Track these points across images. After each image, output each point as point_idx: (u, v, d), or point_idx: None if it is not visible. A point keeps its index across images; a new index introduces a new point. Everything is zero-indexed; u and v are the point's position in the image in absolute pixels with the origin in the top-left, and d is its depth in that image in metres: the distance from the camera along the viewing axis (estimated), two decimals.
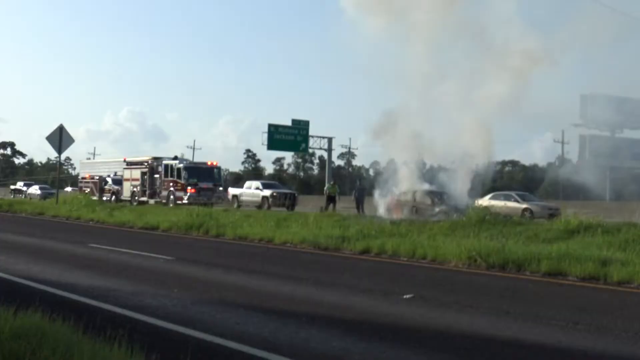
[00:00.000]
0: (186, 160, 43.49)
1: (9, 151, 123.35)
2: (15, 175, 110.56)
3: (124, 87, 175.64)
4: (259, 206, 35.98)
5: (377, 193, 32.31)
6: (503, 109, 30.48)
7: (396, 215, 26.15)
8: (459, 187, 30.18)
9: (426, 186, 31.50)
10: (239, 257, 15.12)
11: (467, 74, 31.44)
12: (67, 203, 34.31)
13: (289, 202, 36.57)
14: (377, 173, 32.08)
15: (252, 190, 38.67)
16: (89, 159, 61.97)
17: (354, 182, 38.88)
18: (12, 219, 29.13)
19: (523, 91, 31.55)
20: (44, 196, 56.51)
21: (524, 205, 31.71)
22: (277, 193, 37.47)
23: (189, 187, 36.64)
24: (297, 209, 35.04)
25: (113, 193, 43.39)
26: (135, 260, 13.65)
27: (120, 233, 22.01)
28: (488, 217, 19.85)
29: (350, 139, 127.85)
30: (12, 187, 62.41)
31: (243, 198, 38.33)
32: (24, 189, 63.22)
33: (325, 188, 35.34)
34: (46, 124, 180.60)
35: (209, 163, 39.59)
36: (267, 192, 37.32)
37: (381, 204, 30.80)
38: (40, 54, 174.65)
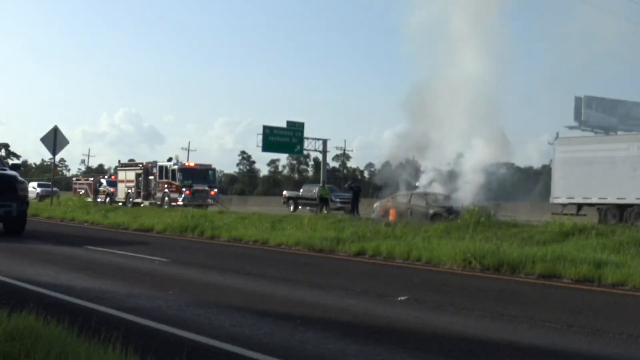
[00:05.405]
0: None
1: (3, 152, 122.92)
2: None
3: (120, 89, 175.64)
4: None
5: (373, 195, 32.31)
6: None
7: (391, 218, 26.10)
8: (462, 189, 29.96)
9: (422, 187, 31.43)
10: (234, 259, 15.11)
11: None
12: (62, 204, 34.21)
13: None
14: (372, 174, 32.20)
15: None
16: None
17: (346, 183, 39.18)
18: None
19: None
20: None
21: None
22: None
23: (183, 189, 36.68)
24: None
25: (107, 195, 43.32)
26: (130, 262, 13.62)
27: (115, 235, 21.97)
28: (483, 219, 19.84)
29: (345, 140, 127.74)
30: None
31: None
32: None
33: (316, 191, 35.44)
34: (42, 126, 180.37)
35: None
36: None
37: (376, 205, 30.75)
38: (37, 56, 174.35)
